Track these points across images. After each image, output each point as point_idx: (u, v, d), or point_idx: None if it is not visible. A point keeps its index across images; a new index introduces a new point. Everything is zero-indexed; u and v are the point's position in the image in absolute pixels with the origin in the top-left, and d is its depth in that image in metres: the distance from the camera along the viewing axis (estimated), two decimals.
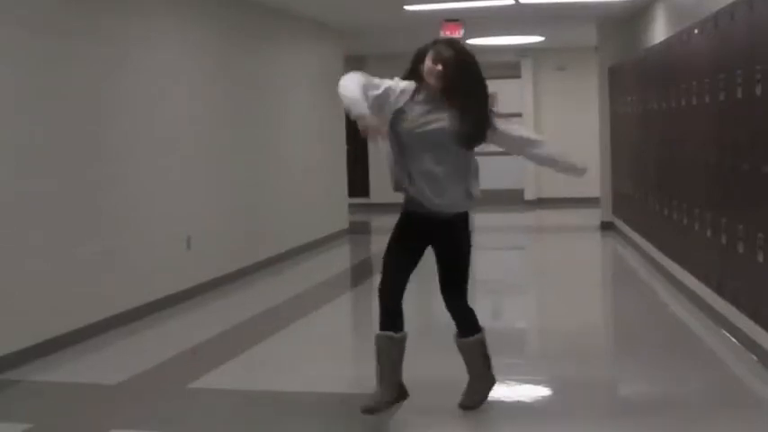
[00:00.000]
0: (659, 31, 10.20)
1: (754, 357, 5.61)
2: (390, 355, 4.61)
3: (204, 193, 8.77)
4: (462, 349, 4.83)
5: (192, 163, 8.54)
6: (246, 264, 9.55)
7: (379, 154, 4.68)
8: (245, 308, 8.04)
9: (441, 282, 4.75)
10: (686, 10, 8.50)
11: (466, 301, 4.79)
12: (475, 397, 4.85)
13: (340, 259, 11.57)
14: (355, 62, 16.37)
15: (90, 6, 6.94)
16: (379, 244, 13.13)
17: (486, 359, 4.85)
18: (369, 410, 4.56)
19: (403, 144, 4.56)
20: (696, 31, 7.11)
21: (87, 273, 6.76)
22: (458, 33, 12.18)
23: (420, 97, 4.59)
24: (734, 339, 6.06)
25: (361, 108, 4.34)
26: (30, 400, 5.41)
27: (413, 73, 4.66)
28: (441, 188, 4.53)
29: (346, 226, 13.28)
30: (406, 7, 10.85)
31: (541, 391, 5.48)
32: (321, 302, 8.25)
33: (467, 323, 4.80)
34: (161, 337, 7.03)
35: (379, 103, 4.53)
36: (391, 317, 4.60)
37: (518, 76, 17.08)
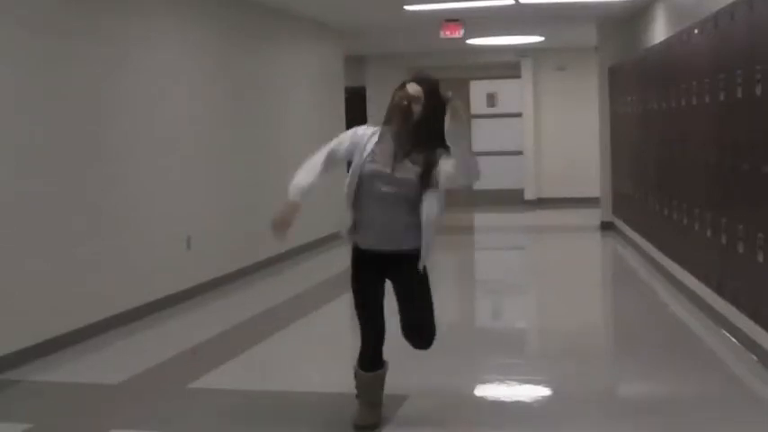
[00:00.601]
0: (659, 31, 10.20)
1: (754, 357, 5.61)
2: (378, 389, 4.64)
3: (204, 193, 8.77)
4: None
5: (192, 163, 8.54)
6: (246, 264, 9.55)
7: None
8: (245, 308, 8.04)
9: (406, 323, 4.52)
10: (686, 10, 8.49)
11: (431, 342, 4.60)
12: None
13: (340, 259, 11.52)
14: (355, 62, 16.39)
15: (90, 6, 6.95)
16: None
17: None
18: (363, 428, 4.56)
19: (362, 185, 4.45)
20: (696, 31, 7.11)
21: (87, 273, 6.76)
22: (458, 33, 12.20)
23: (384, 139, 4.47)
24: (734, 339, 6.06)
25: (294, 194, 4.55)
26: (30, 400, 5.41)
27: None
28: (391, 229, 4.42)
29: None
30: (406, 7, 10.85)
31: (541, 391, 5.48)
32: (321, 302, 8.25)
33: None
34: (161, 337, 7.03)
35: (346, 156, 4.55)
36: (377, 357, 4.61)
37: (518, 76, 17.08)
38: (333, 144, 4.63)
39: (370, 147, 4.46)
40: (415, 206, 4.37)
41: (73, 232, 6.62)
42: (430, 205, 4.34)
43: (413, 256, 4.41)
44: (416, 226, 4.37)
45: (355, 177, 4.45)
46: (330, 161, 4.60)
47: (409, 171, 4.36)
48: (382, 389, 4.67)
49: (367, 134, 4.52)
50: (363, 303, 4.55)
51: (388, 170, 4.38)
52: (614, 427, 4.71)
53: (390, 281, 4.55)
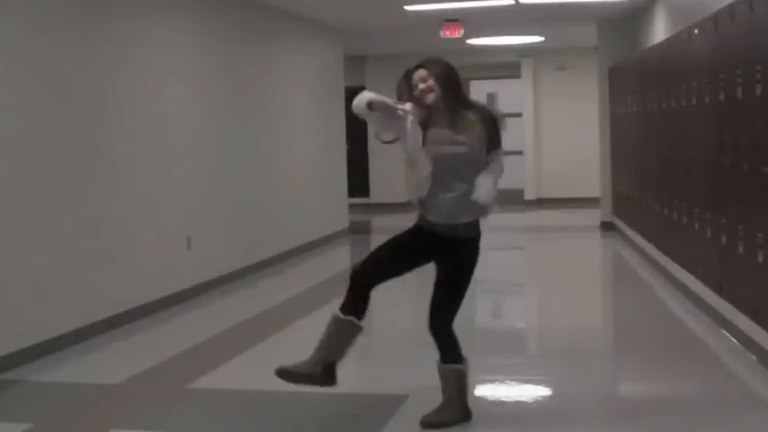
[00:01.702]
0: (659, 30, 10.20)
1: (754, 357, 5.62)
2: (344, 340, 4.49)
3: (205, 192, 8.77)
4: (441, 375, 4.64)
5: (193, 162, 8.54)
6: (247, 264, 9.55)
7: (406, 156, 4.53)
8: (245, 308, 8.04)
9: (433, 302, 4.59)
10: (686, 10, 8.50)
11: (451, 327, 4.61)
12: (437, 419, 4.59)
13: (340, 259, 11.57)
14: (355, 62, 16.39)
15: (90, 7, 6.95)
16: (379, 244, 13.16)
17: (461, 393, 4.63)
18: (281, 371, 4.48)
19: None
20: (696, 31, 7.11)
21: (88, 273, 6.76)
22: (458, 33, 12.20)
23: (431, 120, 4.48)
24: (734, 339, 6.07)
25: (375, 97, 4.36)
26: (30, 399, 5.41)
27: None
28: (458, 209, 4.48)
29: (346, 226, 13.28)
30: (407, 7, 10.85)
31: (541, 391, 5.48)
32: (321, 302, 8.24)
33: (449, 350, 4.61)
34: (161, 337, 7.04)
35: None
36: (361, 301, 4.50)
37: (518, 77, 17.09)
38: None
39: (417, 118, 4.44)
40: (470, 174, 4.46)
41: (74, 232, 6.62)
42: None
43: (470, 241, 4.55)
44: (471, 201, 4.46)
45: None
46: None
47: (460, 141, 4.44)
48: (344, 345, 4.49)
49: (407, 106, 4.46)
50: (391, 252, 4.57)
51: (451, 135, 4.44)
52: (614, 427, 4.71)
53: (437, 264, 4.57)
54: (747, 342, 5.78)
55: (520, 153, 17.00)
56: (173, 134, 8.16)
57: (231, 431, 4.78)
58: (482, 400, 5.31)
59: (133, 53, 7.52)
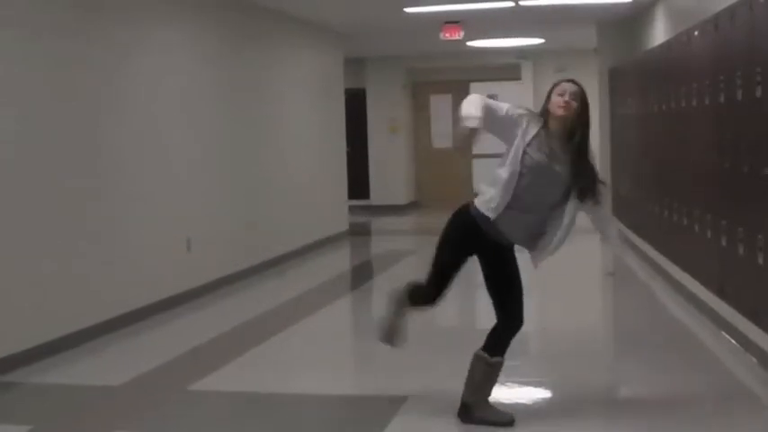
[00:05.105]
0: (659, 32, 10.21)
1: (754, 359, 5.62)
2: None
3: (205, 194, 8.77)
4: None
5: (193, 165, 8.55)
6: (247, 266, 9.55)
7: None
8: (245, 310, 8.04)
9: (499, 301, 4.90)
10: (686, 12, 8.50)
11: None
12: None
13: (340, 261, 11.57)
14: (355, 64, 16.39)
15: (91, 11, 6.95)
16: (379, 246, 13.19)
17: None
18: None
19: (524, 172, 4.47)
20: (696, 33, 7.12)
21: (89, 275, 6.77)
22: (458, 35, 12.21)
23: (546, 133, 4.49)
24: (734, 341, 6.07)
25: (471, 121, 4.39)
26: (31, 401, 5.42)
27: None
28: (529, 228, 4.73)
29: (346, 228, 13.28)
30: (406, 9, 10.86)
31: (541, 393, 5.49)
32: (321, 304, 8.25)
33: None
34: (162, 339, 7.04)
35: (497, 122, 4.52)
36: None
37: (518, 78, 17.09)
38: (494, 103, 4.58)
39: (532, 132, 4.46)
40: (552, 208, 4.62)
41: (74, 234, 6.63)
42: (572, 210, 4.65)
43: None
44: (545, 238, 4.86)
45: (518, 159, 4.45)
46: (488, 113, 4.50)
47: (562, 170, 4.48)
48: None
49: (526, 118, 4.51)
50: (444, 274, 4.76)
51: (554, 166, 4.47)
52: (614, 429, 4.71)
53: (482, 259, 4.82)
54: (747, 344, 5.78)
55: None
56: (173, 137, 8.16)
57: None
58: None
59: (133, 56, 7.53)
